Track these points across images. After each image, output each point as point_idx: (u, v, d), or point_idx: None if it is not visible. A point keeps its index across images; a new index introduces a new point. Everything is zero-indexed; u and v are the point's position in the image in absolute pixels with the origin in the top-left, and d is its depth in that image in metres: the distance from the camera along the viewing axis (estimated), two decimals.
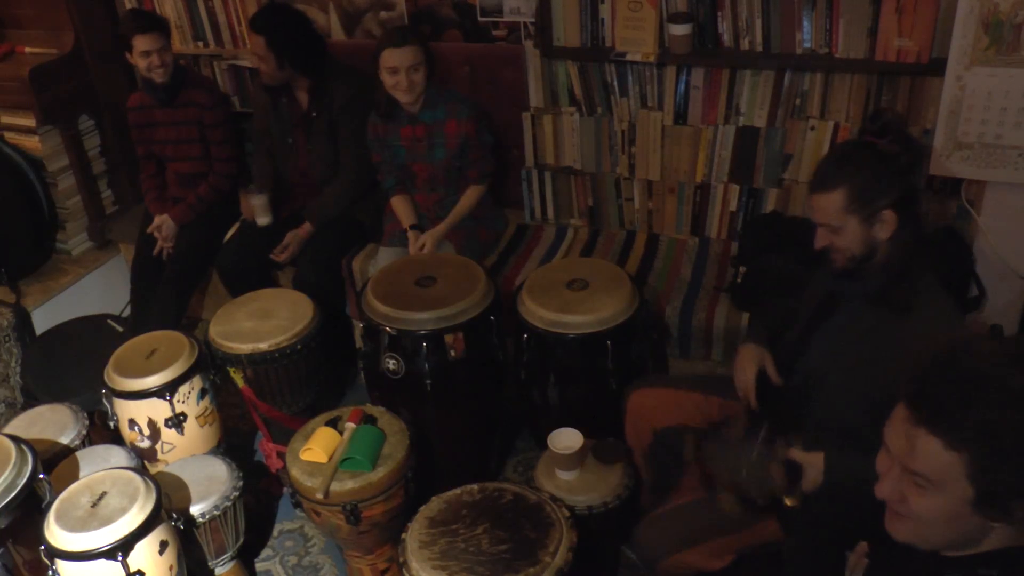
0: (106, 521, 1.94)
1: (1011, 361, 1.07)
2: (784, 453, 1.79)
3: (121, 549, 1.91)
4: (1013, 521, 1.09)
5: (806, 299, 2.09)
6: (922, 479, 1.10)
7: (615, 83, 3.02)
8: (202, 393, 2.58)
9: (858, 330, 1.88)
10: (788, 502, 1.78)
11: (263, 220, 3.17)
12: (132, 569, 1.94)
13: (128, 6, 3.66)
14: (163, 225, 3.35)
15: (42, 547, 1.95)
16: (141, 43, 3.13)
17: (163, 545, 2.02)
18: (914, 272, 1.84)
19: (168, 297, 3.33)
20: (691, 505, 2.06)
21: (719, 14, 2.80)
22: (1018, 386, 1.04)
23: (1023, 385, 1.04)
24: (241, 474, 2.41)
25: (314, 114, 3.16)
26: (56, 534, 1.93)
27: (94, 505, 1.98)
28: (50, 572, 1.95)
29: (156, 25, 3.16)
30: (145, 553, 1.97)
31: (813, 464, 1.77)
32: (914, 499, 1.13)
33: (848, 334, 1.90)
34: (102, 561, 1.91)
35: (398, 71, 2.83)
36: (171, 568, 2.07)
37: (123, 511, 1.96)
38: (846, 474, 1.73)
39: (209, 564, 2.38)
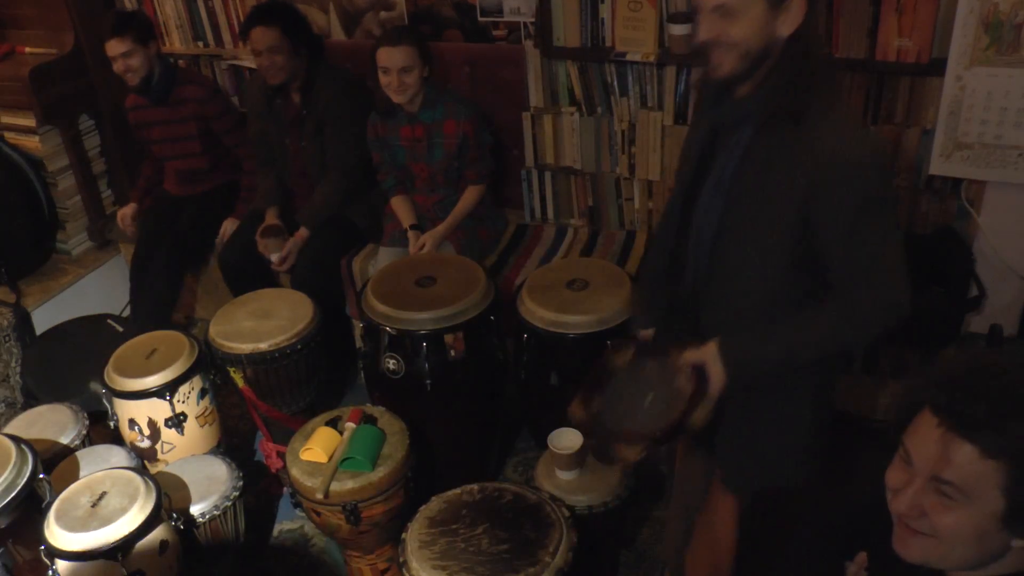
0: (106, 521, 1.94)
1: None
2: (681, 361, 1.62)
3: (121, 549, 1.91)
4: None
5: (684, 160, 1.75)
6: (951, 489, 1.06)
7: (615, 83, 3.02)
8: (202, 393, 2.58)
9: (752, 161, 1.58)
10: (694, 422, 1.58)
11: (276, 256, 3.16)
12: (132, 569, 1.94)
13: (129, 6, 3.66)
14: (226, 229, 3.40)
15: (42, 547, 1.95)
16: (108, 48, 3.16)
17: (163, 545, 2.02)
18: (813, 78, 1.53)
19: (161, 278, 3.37)
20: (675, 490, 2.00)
21: None
22: None
23: None
24: (241, 474, 2.41)
25: (305, 112, 3.16)
26: (56, 534, 1.93)
27: (94, 505, 1.98)
28: (50, 572, 1.95)
29: (121, 29, 3.14)
30: (145, 553, 1.97)
31: (705, 356, 1.61)
32: (937, 514, 1.08)
33: (740, 173, 1.60)
34: (102, 561, 1.91)
35: (389, 71, 2.83)
36: (171, 568, 2.07)
37: (123, 511, 1.96)
38: (741, 352, 1.60)
39: (209, 564, 2.38)
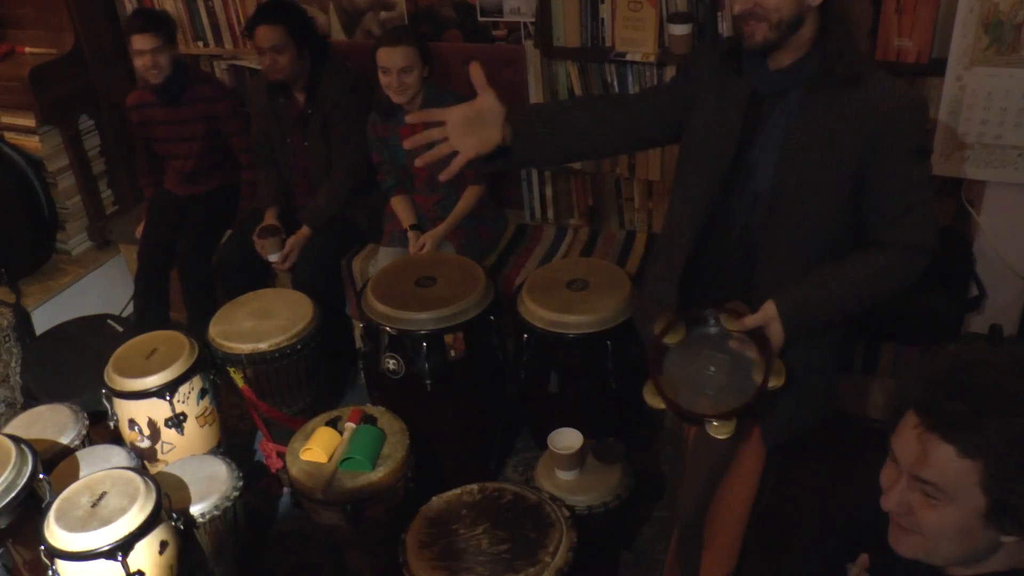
0: (106, 521, 1.94)
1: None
2: (740, 327, 1.64)
3: (121, 549, 1.91)
4: None
5: (719, 124, 1.78)
6: (932, 488, 1.08)
7: (615, 83, 3.02)
8: (202, 393, 2.58)
9: (807, 122, 1.67)
10: (773, 384, 1.58)
11: (273, 257, 3.17)
12: (132, 569, 1.94)
13: (128, 6, 3.66)
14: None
15: (42, 547, 1.95)
16: (136, 42, 3.15)
17: (163, 545, 2.03)
18: (853, 46, 1.66)
19: (166, 280, 3.41)
20: (695, 450, 2.01)
21: (719, 14, 2.80)
22: None
23: None
24: (241, 474, 2.41)
25: (309, 112, 3.16)
26: (56, 534, 1.93)
27: (94, 505, 1.98)
28: (50, 572, 1.95)
29: (152, 25, 3.15)
30: (145, 553, 1.97)
31: (767, 317, 1.64)
32: (922, 512, 1.10)
33: (796, 133, 1.68)
34: (102, 561, 1.91)
35: (389, 71, 2.83)
36: (171, 568, 2.07)
37: (123, 511, 1.96)
38: (799, 310, 1.63)
39: (209, 564, 2.38)
